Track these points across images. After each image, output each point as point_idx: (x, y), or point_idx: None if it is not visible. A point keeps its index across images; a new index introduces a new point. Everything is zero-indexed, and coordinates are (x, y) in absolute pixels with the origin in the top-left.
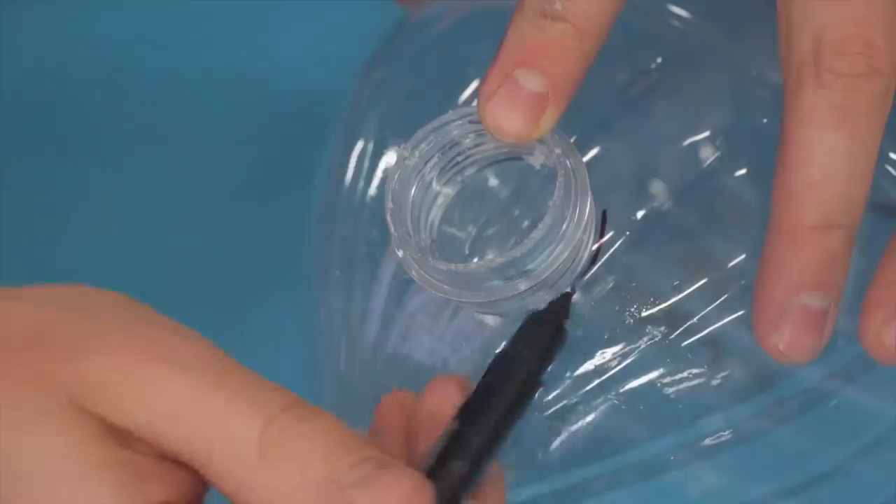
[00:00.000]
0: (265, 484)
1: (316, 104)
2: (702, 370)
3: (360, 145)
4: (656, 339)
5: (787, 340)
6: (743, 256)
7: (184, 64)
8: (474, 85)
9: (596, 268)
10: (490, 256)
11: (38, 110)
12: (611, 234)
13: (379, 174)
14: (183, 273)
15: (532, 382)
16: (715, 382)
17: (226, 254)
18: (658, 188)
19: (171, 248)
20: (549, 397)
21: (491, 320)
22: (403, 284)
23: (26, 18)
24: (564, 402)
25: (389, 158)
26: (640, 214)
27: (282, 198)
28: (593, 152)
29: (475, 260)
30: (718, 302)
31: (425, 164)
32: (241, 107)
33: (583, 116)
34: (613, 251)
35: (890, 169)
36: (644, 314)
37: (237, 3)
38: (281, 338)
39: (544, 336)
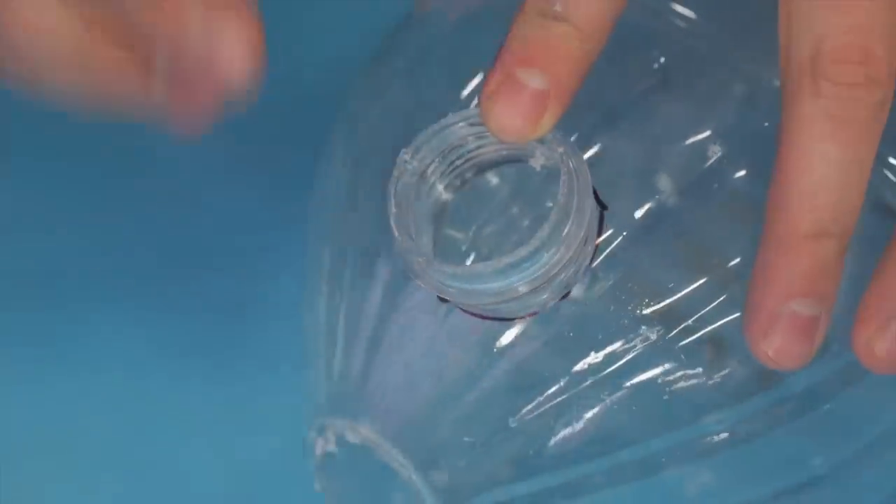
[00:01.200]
0: None
1: (321, 101)
2: (701, 369)
3: (360, 143)
4: (655, 337)
5: (777, 347)
6: (742, 256)
7: None
8: (477, 80)
9: (594, 266)
10: (494, 258)
11: (39, 108)
12: (610, 231)
13: (379, 173)
14: (184, 271)
15: None
16: (714, 382)
17: (227, 252)
18: (659, 187)
19: (172, 246)
20: (547, 394)
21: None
22: (399, 282)
23: None
24: (561, 398)
25: None
26: (640, 213)
27: (285, 196)
28: (593, 150)
29: (473, 261)
30: (718, 301)
31: (427, 167)
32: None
33: (584, 115)
34: (613, 249)
35: (888, 174)
36: (643, 312)
37: None
38: (281, 338)
39: None
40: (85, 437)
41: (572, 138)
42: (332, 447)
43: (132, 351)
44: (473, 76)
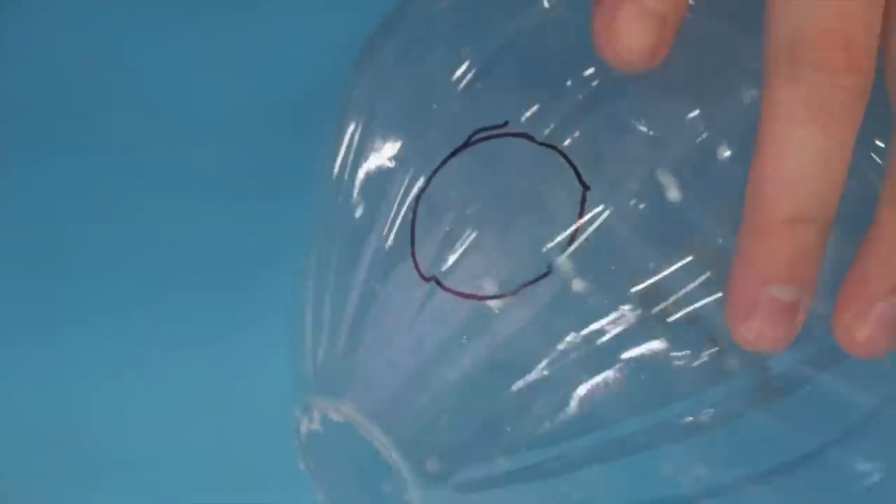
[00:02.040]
0: None
1: (321, 99)
2: (682, 350)
3: (352, 126)
4: (637, 316)
5: (756, 332)
6: (727, 237)
7: (187, 60)
8: (466, 64)
9: (577, 244)
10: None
11: (39, 107)
12: (595, 211)
13: (368, 154)
14: (183, 267)
15: None
16: (696, 363)
17: (225, 248)
18: (654, 172)
19: (170, 242)
20: (529, 373)
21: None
22: (384, 260)
23: (26, 16)
24: (543, 377)
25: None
26: (624, 191)
27: (288, 193)
28: (590, 133)
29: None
30: (701, 281)
31: None
32: (245, 102)
33: (583, 101)
34: (596, 228)
35: (874, 157)
36: (626, 292)
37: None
38: (279, 332)
39: None
40: (81, 434)
41: (569, 138)
42: (316, 426)
43: (129, 343)
44: (466, 58)
